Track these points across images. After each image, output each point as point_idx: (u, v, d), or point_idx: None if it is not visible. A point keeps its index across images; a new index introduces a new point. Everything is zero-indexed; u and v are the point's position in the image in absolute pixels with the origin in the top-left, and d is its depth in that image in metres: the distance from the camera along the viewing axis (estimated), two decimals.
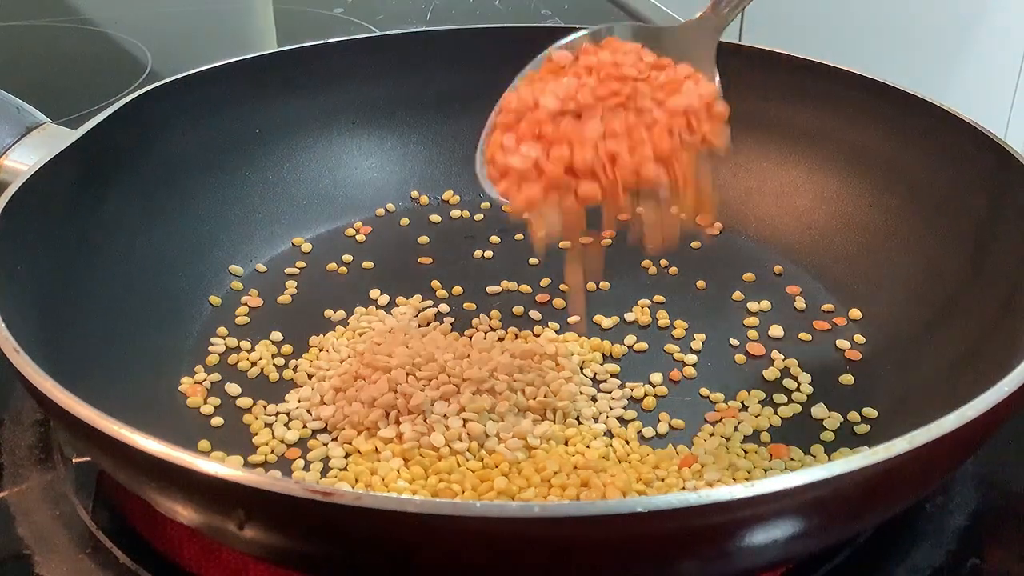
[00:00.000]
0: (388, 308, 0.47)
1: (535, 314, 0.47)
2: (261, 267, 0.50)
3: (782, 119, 0.52)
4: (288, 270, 0.50)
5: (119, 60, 0.79)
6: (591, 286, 0.48)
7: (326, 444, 0.39)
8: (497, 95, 0.56)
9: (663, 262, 0.50)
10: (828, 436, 0.40)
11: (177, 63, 0.63)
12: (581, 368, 0.43)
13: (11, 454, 0.39)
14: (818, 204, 0.50)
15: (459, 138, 0.56)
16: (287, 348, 0.45)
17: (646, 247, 0.37)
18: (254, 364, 0.43)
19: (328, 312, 0.47)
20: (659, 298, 0.48)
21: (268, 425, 0.40)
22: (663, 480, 0.37)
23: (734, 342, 0.45)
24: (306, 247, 0.52)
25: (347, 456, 0.38)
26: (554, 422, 0.40)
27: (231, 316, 0.46)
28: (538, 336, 0.45)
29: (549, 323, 0.46)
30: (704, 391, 0.42)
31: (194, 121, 0.50)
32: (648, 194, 0.36)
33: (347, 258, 0.51)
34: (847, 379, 0.42)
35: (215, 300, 0.47)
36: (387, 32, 0.57)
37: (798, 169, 0.52)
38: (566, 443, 0.39)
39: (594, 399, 0.41)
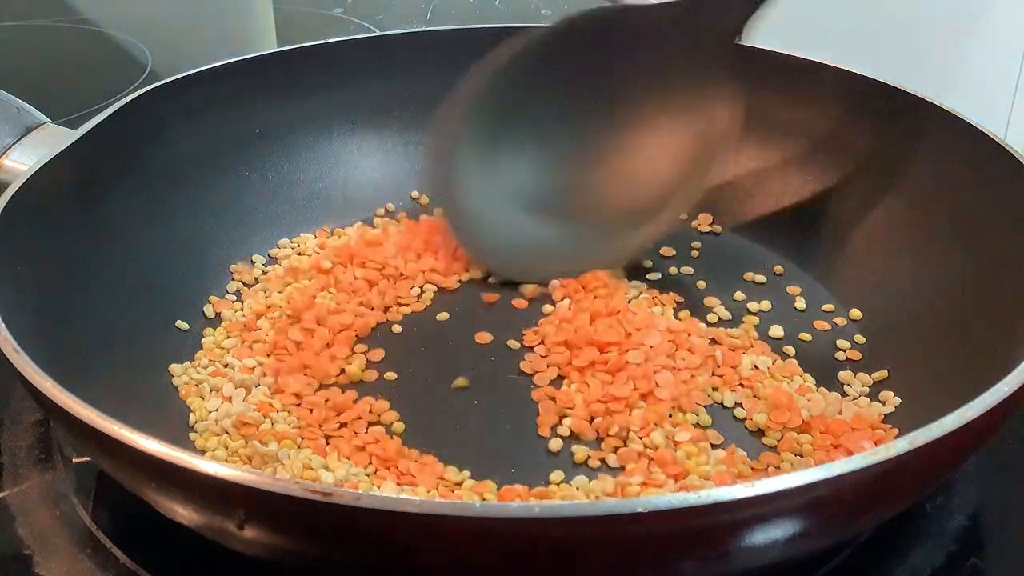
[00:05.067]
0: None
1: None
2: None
3: (782, 119, 0.52)
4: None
5: (119, 60, 0.79)
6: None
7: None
8: None
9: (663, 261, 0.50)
10: None
11: (177, 63, 0.63)
12: None
13: (11, 454, 0.39)
14: (818, 204, 0.50)
15: None
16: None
17: None
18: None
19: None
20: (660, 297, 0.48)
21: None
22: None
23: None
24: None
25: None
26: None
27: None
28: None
29: None
30: None
31: (194, 121, 0.50)
32: None
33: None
34: (847, 379, 0.42)
35: (215, 300, 0.47)
36: (387, 32, 0.57)
37: (798, 169, 0.52)
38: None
39: None
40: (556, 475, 0.37)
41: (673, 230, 0.52)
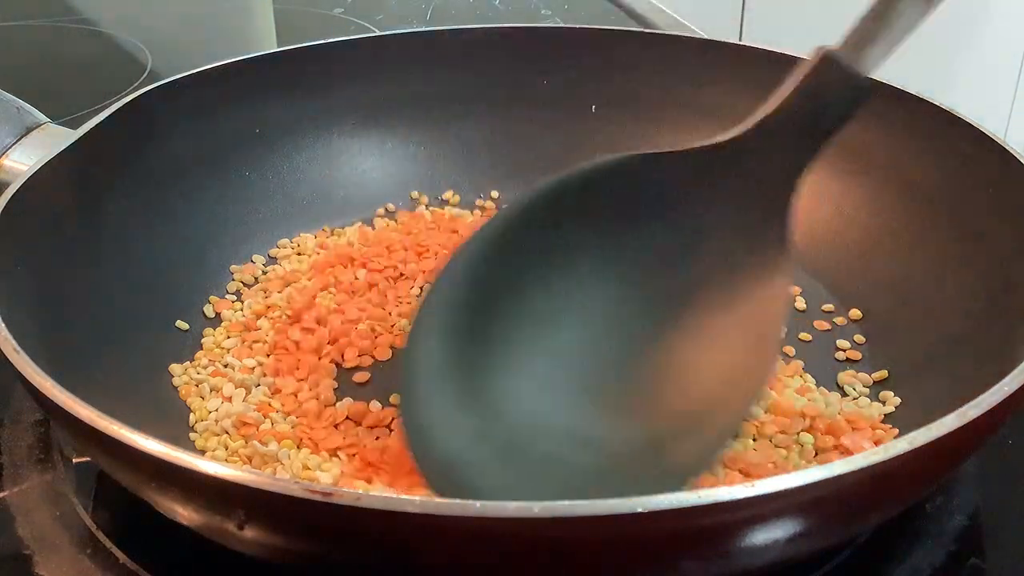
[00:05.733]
0: None
1: None
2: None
3: None
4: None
5: (119, 60, 0.79)
6: None
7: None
8: (496, 94, 0.56)
9: None
10: None
11: (177, 63, 0.63)
12: None
13: (11, 454, 0.39)
14: (818, 204, 0.50)
15: (459, 138, 0.56)
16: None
17: None
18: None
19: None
20: None
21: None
22: None
23: None
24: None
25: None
26: None
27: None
28: None
29: None
30: None
31: (194, 121, 0.50)
32: None
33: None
34: (847, 379, 0.42)
35: (215, 300, 0.47)
36: (387, 32, 0.57)
37: None
38: None
39: None
40: None
41: None
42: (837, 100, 0.34)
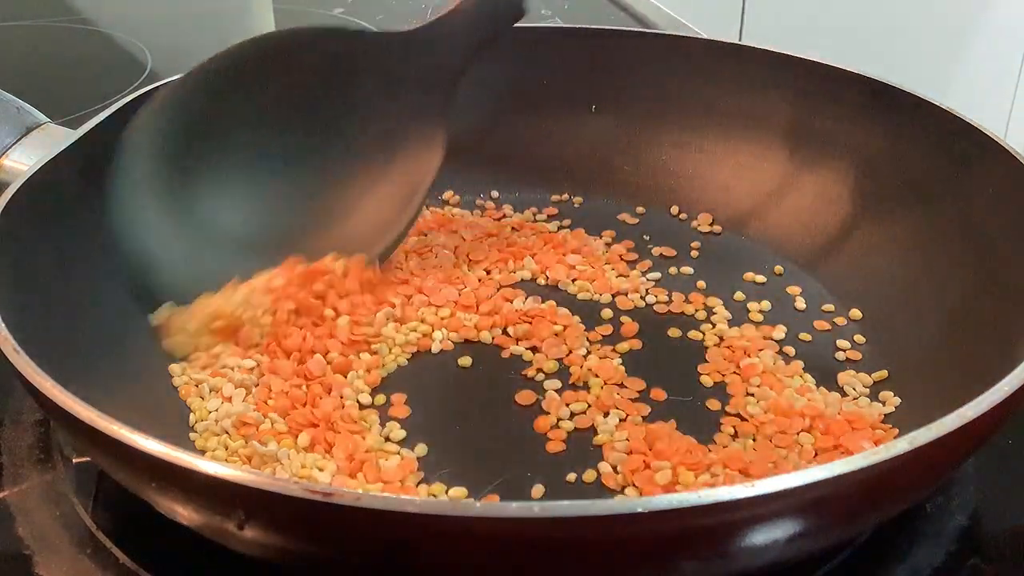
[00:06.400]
0: None
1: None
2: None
3: (782, 119, 0.52)
4: None
5: (119, 60, 0.79)
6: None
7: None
8: (496, 94, 0.56)
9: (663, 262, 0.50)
10: None
11: (177, 63, 0.63)
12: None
13: (11, 454, 0.39)
14: (818, 204, 0.50)
15: (459, 138, 0.56)
16: None
17: None
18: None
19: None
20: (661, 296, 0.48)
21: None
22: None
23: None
24: None
25: None
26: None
27: None
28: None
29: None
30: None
31: None
32: None
33: None
34: (847, 379, 0.42)
35: None
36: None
37: (798, 169, 0.52)
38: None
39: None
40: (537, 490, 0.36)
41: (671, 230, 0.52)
42: (502, 12, 0.44)
